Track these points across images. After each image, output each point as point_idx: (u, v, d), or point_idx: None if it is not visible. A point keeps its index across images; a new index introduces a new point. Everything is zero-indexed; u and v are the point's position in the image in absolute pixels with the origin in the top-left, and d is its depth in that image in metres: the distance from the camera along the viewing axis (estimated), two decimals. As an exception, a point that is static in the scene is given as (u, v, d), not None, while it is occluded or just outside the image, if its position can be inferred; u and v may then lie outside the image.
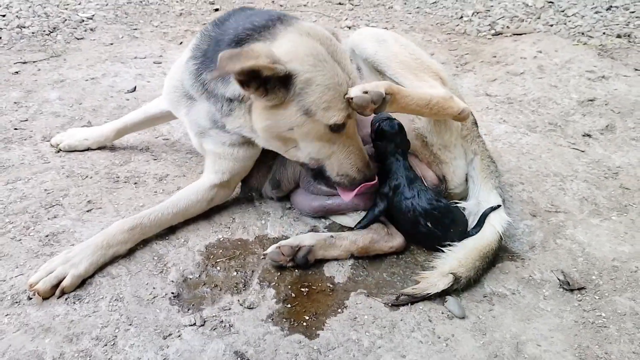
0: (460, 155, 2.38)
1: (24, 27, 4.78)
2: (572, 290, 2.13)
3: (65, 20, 5.04)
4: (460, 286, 2.07)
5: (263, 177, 2.53)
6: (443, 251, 2.19)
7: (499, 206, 2.31)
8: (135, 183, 2.68)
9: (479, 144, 2.44)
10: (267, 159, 2.49)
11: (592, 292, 2.13)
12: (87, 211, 2.46)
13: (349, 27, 5.24)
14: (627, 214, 2.60)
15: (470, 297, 2.09)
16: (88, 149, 2.93)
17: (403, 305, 2.02)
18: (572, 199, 2.70)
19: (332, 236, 2.28)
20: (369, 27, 2.53)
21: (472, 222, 2.33)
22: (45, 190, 2.57)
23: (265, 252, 2.24)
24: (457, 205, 2.33)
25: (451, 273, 2.06)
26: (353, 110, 2.00)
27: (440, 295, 2.06)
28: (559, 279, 2.17)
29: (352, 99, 1.92)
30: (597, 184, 2.82)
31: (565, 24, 5.50)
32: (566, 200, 2.69)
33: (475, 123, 2.50)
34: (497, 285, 2.15)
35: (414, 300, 2.03)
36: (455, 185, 2.36)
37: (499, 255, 2.28)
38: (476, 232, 2.25)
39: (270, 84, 1.87)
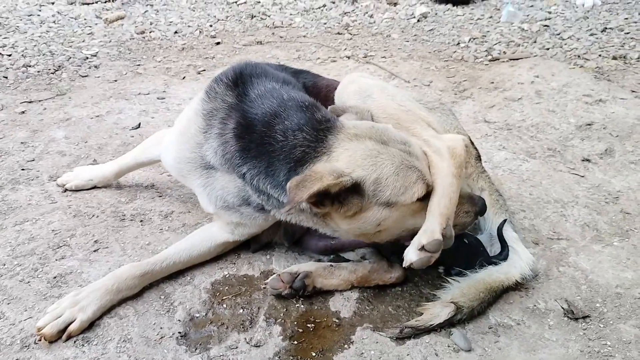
0: None
1: (30, 66, 4.89)
2: (576, 319, 2.14)
3: (70, 57, 5.15)
4: (463, 316, 2.08)
5: (273, 233, 2.54)
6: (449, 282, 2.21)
7: (505, 220, 2.34)
8: (142, 221, 2.72)
9: (485, 179, 2.46)
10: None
11: (597, 320, 2.14)
12: (94, 251, 2.49)
13: (348, 57, 5.33)
14: (628, 239, 2.61)
15: (476, 329, 2.10)
16: (94, 188, 2.98)
17: (408, 338, 2.03)
18: (574, 225, 2.72)
19: (331, 265, 2.31)
20: (354, 79, 2.45)
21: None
22: (52, 230, 2.61)
23: (266, 282, 2.27)
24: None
25: (452, 302, 2.08)
26: (426, 168, 2.01)
27: (445, 327, 2.07)
28: (563, 308, 2.18)
29: (412, 264, 1.92)
30: (598, 210, 2.84)
31: (561, 47, 5.58)
32: (568, 226, 2.71)
33: (479, 157, 2.53)
34: (502, 316, 2.16)
35: (417, 332, 2.04)
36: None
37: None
38: (504, 256, 2.26)
39: (342, 196, 1.90)
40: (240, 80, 2.22)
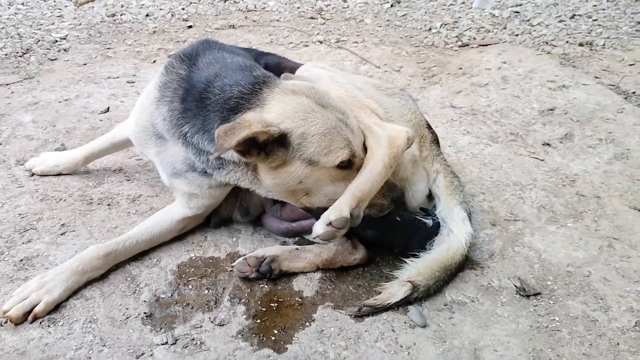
0: (421, 179, 2.46)
1: (-3, 49, 4.81)
2: (528, 296, 2.24)
3: (39, 41, 5.07)
4: (420, 294, 2.17)
5: (232, 206, 2.60)
6: (407, 262, 2.29)
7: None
8: (109, 204, 2.74)
9: (440, 162, 2.52)
10: (233, 189, 2.56)
11: (547, 297, 2.24)
12: (61, 234, 2.51)
13: (320, 42, 5.35)
14: (582, 220, 2.73)
15: (432, 306, 2.19)
16: (60, 174, 2.98)
17: (366, 316, 2.11)
18: (531, 207, 2.82)
19: (297, 248, 2.38)
20: (309, 67, 2.52)
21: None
22: (19, 214, 2.61)
23: (232, 264, 2.33)
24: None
25: (409, 281, 2.16)
26: (358, 143, 2.07)
27: (402, 305, 2.15)
28: (515, 286, 2.29)
29: (318, 236, 2.00)
30: (554, 192, 2.95)
31: (530, 33, 5.68)
32: (525, 208, 2.81)
33: (436, 140, 2.60)
34: (458, 294, 2.25)
35: (376, 310, 2.12)
36: (414, 206, 2.46)
37: (463, 266, 2.37)
38: (433, 225, 2.38)
39: (269, 147, 1.95)
40: (194, 54, 2.30)
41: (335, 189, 2.09)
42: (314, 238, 2.06)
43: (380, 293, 2.18)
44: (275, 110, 1.98)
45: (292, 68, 2.72)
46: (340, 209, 1.98)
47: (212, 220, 2.62)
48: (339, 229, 1.98)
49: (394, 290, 2.15)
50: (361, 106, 2.30)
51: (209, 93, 2.10)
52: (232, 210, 2.61)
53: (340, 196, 2.04)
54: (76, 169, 3.00)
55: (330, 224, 1.97)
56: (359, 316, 2.12)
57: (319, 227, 1.99)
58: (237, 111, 2.01)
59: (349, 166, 2.07)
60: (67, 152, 3.07)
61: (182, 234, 2.54)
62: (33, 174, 2.95)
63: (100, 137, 3.03)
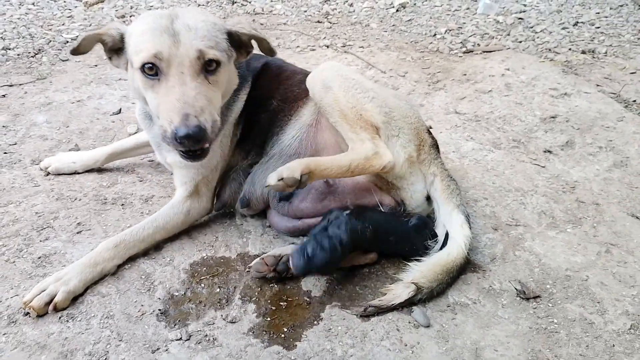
0: (418, 179, 2.53)
1: (9, 49, 4.90)
2: (528, 299, 2.32)
3: (50, 41, 5.17)
4: (423, 296, 2.25)
5: (235, 194, 2.70)
6: (410, 265, 2.37)
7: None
8: (123, 204, 2.83)
9: (437, 165, 2.58)
10: (238, 177, 2.70)
11: (546, 300, 2.33)
12: (77, 233, 2.60)
13: (327, 46, 5.44)
14: (581, 226, 2.81)
15: (435, 307, 2.27)
16: (75, 172, 3.07)
17: (371, 315, 2.20)
18: (532, 212, 2.91)
19: None
20: (325, 66, 2.63)
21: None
22: (36, 213, 2.71)
23: (250, 266, 2.41)
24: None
25: (413, 283, 2.25)
26: (181, 58, 2.07)
27: (406, 306, 2.24)
28: (516, 289, 2.37)
29: (269, 185, 2.19)
30: (555, 198, 3.03)
31: (533, 40, 5.76)
32: (526, 214, 2.89)
33: (435, 145, 2.67)
34: (460, 296, 2.34)
35: (380, 310, 2.21)
36: (413, 207, 2.53)
37: (465, 269, 2.45)
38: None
39: (120, 51, 2.26)
40: None
41: (147, 96, 2.17)
42: (266, 186, 2.23)
43: (385, 294, 2.26)
44: (133, 23, 2.22)
45: (293, 72, 2.83)
46: (293, 169, 2.18)
47: (215, 205, 2.74)
48: (288, 185, 2.16)
49: (399, 291, 2.24)
50: (359, 120, 2.43)
51: None
52: (236, 198, 2.71)
53: (153, 102, 2.15)
54: (94, 166, 3.12)
55: (282, 179, 2.15)
56: (365, 316, 2.20)
57: (272, 179, 2.18)
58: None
59: (157, 75, 2.08)
60: (86, 151, 3.19)
61: (193, 234, 2.63)
62: (48, 174, 3.04)
63: (125, 139, 3.20)
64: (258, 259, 2.39)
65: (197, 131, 1.97)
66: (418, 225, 2.45)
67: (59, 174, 3.05)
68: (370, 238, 2.34)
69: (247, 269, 2.43)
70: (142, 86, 2.16)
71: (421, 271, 2.30)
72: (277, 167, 2.26)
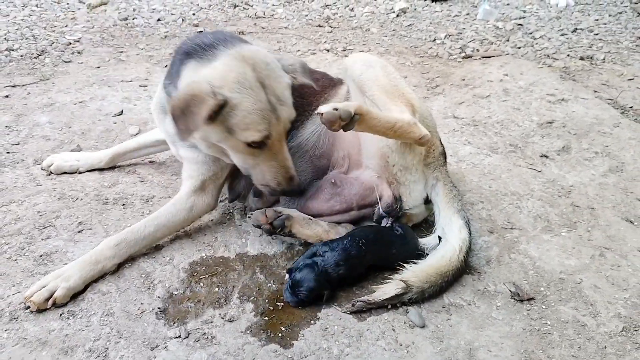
0: (420, 179, 2.59)
1: (13, 50, 4.96)
2: (522, 301, 2.36)
3: (53, 43, 5.22)
4: (414, 295, 2.29)
5: (249, 185, 2.73)
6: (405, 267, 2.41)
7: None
8: (124, 204, 2.87)
9: (441, 171, 2.66)
10: None
11: (540, 302, 2.36)
12: (78, 232, 2.64)
13: (327, 50, 5.49)
14: (575, 230, 2.85)
15: (431, 308, 2.31)
16: (77, 172, 3.11)
17: (361, 311, 2.25)
18: (527, 216, 2.94)
19: (310, 219, 2.59)
20: (363, 53, 2.81)
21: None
22: (38, 212, 2.74)
23: (251, 213, 2.56)
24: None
25: (402, 280, 2.30)
26: (280, 131, 2.27)
27: (397, 304, 2.28)
28: (510, 291, 2.40)
29: (322, 114, 2.12)
30: (550, 202, 3.07)
31: (532, 46, 5.81)
32: (521, 217, 2.93)
33: (443, 154, 2.72)
34: (455, 297, 2.37)
35: (370, 306, 2.26)
36: (409, 205, 2.58)
37: (463, 271, 2.49)
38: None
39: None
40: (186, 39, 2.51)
41: (243, 159, 2.34)
42: (316, 113, 2.17)
43: (374, 292, 2.31)
44: (219, 71, 2.15)
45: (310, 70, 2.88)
46: (348, 105, 2.17)
47: (229, 196, 2.81)
48: (341, 118, 2.12)
49: (387, 288, 2.29)
50: (399, 95, 2.53)
51: (188, 48, 2.30)
52: (249, 189, 2.76)
53: (249, 162, 2.33)
54: (98, 166, 3.17)
55: (336, 109, 2.12)
56: (355, 312, 2.25)
57: (325, 108, 2.13)
58: (192, 57, 2.25)
59: (260, 147, 2.26)
60: (90, 152, 3.23)
61: (193, 234, 2.67)
62: (50, 173, 3.08)
63: (128, 140, 3.24)
64: (259, 210, 2.52)
65: (299, 189, 2.44)
66: (402, 235, 2.53)
67: (61, 173, 3.09)
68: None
69: (249, 216, 2.56)
70: (239, 151, 2.29)
71: (413, 271, 2.35)
72: (295, 161, 2.40)
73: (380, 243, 2.47)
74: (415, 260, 2.42)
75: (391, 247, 2.47)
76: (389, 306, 2.29)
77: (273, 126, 2.23)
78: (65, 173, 3.10)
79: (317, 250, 2.39)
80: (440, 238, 2.52)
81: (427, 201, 2.68)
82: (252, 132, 2.19)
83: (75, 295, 2.24)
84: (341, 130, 2.18)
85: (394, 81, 2.61)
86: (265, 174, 2.36)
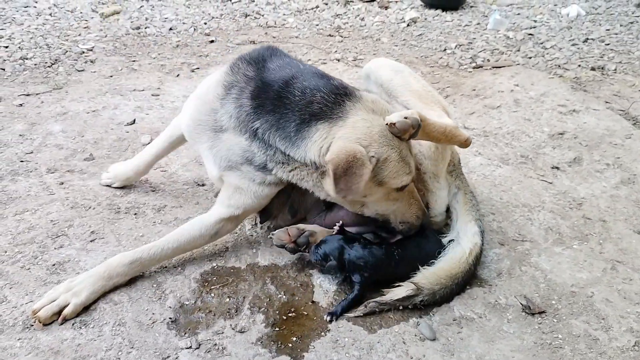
0: (445, 186, 2.64)
1: (27, 59, 5.01)
2: (533, 314, 2.35)
3: (66, 51, 5.28)
4: (425, 297, 2.31)
5: (282, 206, 2.71)
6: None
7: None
8: (135, 214, 2.89)
9: (462, 180, 2.72)
10: (285, 188, 2.59)
11: (552, 316, 2.35)
12: (91, 241, 2.66)
13: (338, 60, 5.51)
14: (587, 242, 2.83)
15: (441, 321, 2.30)
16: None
17: (372, 314, 2.30)
18: (538, 228, 2.93)
19: (334, 232, 2.54)
20: (384, 58, 2.80)
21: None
22: (51, 221, 2.77)
23: (273, 233, 2.52)
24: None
25: (412, 283, 2.32)
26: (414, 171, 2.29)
27: (408, 306, 2.32)
28: (521, 304, 2.40)
29: (394, 124, 2.09)
30: (561, 215, 3.06)
31: (543, 56, 5.79)
32: (532, 229, 2.92)
33: (460, 161, 2.75)
34: (466, 310, 2.37)
35: (381, 307, 2.30)
36: (435, 213, 2.62)
37: (472, 276, 2.50)
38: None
39: None
40: (261, 58, 2.43)
41: (386, 206, 2.33)
42: (387, 124, 2.12)
43: (385, 294, 2.34)
44: (360, 129, 2.10)
45: None
46: (413, 112, 2.14)
47: (261, 217, 2.77)
48: (411, 124, 2.10)
49: (399, 291, 2.32)
50: (433, 100, 2.54)
51: (287, 93, 2.20)
52: (283, 209, 2.72)
53: (390, 207, 2.34)
54: (144, 174, 3.15)
55: (407, 117, 2.10)
56: (367, 313, 2.29)
57: (396, 117, 2.10)
58: (320, 118, 2.14)
59: (403, 188, 2.28)
60: (128, 161, 3.17)
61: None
62: (108, 186, 3.11)
63: (155, 140, 3.11)
64: (282, 228, 2.51)
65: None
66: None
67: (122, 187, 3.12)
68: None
69: (270, 236, 2.54)
70: (385, 199, 2.29)
71: (424, 274, 2.38)
72: None
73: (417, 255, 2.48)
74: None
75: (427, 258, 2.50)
76: (401, 307, 2.32)
77: (412, 166, 2.26)
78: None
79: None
80: (451, 240, 2.54)
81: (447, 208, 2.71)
82: (403, 178, 2.20)
83: (87, 306, 2.25)
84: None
85: (425, 86, 2.63)
86: (405, 212, 2.38)
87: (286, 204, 2.71)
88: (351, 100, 2.18)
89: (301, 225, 2.54)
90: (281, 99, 2.21)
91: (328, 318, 2.29)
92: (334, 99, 2.16)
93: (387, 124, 2.11)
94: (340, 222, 2.51)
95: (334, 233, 2.49)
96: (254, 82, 2.32)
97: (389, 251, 2.42)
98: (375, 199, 2.28)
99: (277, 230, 2.51)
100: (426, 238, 2.52)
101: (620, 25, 6.85)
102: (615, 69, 5.41)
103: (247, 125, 2.29)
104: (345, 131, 2.09)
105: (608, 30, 6.69)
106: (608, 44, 6.23)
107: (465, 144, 2.41)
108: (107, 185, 3.11)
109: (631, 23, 6.91)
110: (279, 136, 2.21)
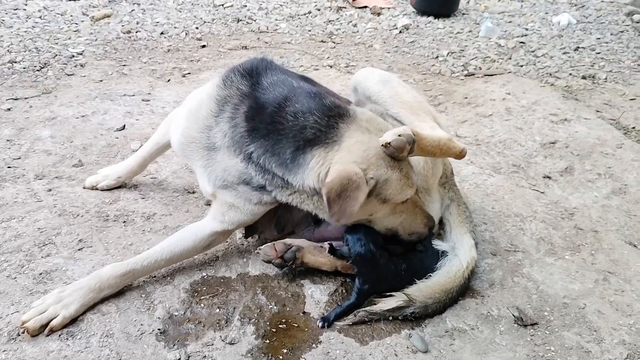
0: (437, 199, 2.62)
1: (15, 62, 4.95)
2: (525, 326, 2.34)
3: (56, 55, 5.22)
4: (417, 309, 2.29)
5: (269, 222, 2.67)
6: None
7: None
8: (124, 222, 2.85)
9: (455, 191, 2.70)
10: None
11: (544, 328, 2.34)
12: (79, 250, 2.62)
13: (330, 66, 5.50)
14: (579, 253, 2.83)
15: (433, 333, 2.29)
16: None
17: (362, 323, 2.28)
18: (530, 238, 2.93)
19: (321, 246, 2.51)
20: (372, 67, 2.74)
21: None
22: (38, 229, 2.72)
23: (260, 248, 2.47)
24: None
25: (404, 294, 2.30)
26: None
27: (395, 313, 2.30)
28: (514, 315, 2.38)
29: (389, 143, 2.03)
30: (553, 225, 3.05)
31: (534, 64, 5.82)
32: (525, 240, 2.92)
33: (452, 172, 2.74)
34: (458, 321, 2.35)
35: (370, 317, 2.28)
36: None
37: (466, 289, 2.49)
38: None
39: None
40: (255, 72, 2.37)
41: (392, 220, 2.31)
42: (383, 144, 2.06)
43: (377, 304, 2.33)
44: (356, 152, 2.06)
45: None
46: (406, 129, 2.10)
47: (246, 232, 2.72)
48: (407, 142, 2.06)
49: (390, 301, 2.31)
50: (424, 110, 2.50)
51: (281, 118, 2.15)
52: (268, 226, 2.68)
53: (397, 220, 2.33)
54: (135, 176, 3.15)
55: (401, 135, 2.05)
56: (356, 322, 2.28)
57: (390, 136, 2.05)
58: (315, 144, 2.09)
59: (407, 200, 2.27)
60: (123, 162, 3.16)
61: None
62: (94, 188, 3.09)
63: (145, 143, 3.07)
64: (269, 243, 2.46)
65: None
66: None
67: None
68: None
69: (257, 252, 2.49)
70: (391, 214, 2.28)
71: (418, 287, 2.36)
72: None
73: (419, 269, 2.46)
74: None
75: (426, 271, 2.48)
76: (391, 318, 2.30)
77: (415, 178, 2.25)
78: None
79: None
80: (443, 253, 2.52)
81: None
82: (407, 192, 2.19)
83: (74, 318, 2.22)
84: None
85: (415, 96, 2.59)
86: (412, 223, 2.37)
87: (273, 219, 2.67)
88: (345, 122, 2.14)
89: (288, 240, 2.50)
90: (274, 124, 2.16)
91: (320, 324, 2.27)
92: (327, 122, 2.12)
93: (382, 145, 2.07)
94: (330, 242, 2.48)
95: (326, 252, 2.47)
96: (248, 101, 2.27)
97: (397, 265, 2.40)
98: (381, 216, 2.27)
99: (263, 246, 2.46)
100: (426, 252, 2.50)
101: (611, 34, 6.90)
102: (606, 78, 5.45)
103: (242, 147, 2.25)
104: (342, 155, 2.05)
105: (599, 38, 6.74)
106: (599, 53, 6.27)
107: (460, 155, 2.38)
108: (93, 188, 3.09)
109: (621, 32, 6.96)
110: (275, 162, 2.17)
